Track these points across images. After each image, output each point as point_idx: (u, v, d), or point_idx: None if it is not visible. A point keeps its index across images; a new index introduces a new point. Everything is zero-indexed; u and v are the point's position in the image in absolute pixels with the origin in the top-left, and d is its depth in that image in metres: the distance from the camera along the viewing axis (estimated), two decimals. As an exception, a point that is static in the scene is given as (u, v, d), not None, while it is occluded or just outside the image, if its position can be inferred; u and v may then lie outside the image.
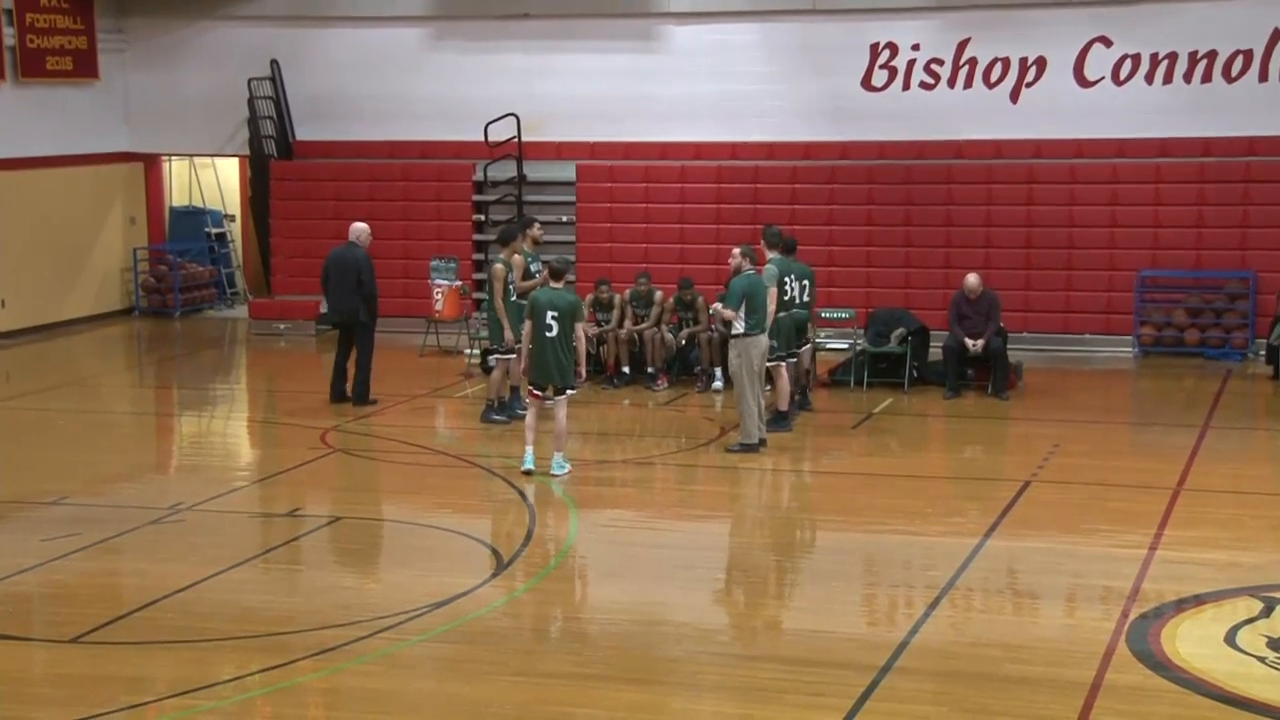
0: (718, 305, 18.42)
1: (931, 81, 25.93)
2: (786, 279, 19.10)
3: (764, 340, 18.06)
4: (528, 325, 17.13)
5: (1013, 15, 25.57)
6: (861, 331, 22.64)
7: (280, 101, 29.09)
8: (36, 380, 23.46)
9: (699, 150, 27.02)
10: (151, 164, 30.74)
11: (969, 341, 21.09)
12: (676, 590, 13.32)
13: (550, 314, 16.74)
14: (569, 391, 17.00)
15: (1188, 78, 24.81)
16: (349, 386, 20.89)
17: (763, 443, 18.18)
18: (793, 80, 26.60)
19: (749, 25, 26.89)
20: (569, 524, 15.56)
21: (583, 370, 17.18)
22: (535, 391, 17.09)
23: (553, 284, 17.15)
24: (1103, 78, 25.14)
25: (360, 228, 21.10)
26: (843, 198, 26.18)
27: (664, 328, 22.16)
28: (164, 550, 14.51)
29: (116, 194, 30.00)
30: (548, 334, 16.76)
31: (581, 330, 16.93)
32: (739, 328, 17.98)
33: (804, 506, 16.96)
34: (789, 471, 18.07)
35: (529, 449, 16.97)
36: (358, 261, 20.69)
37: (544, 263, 18.41)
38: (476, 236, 27.80)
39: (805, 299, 19.45)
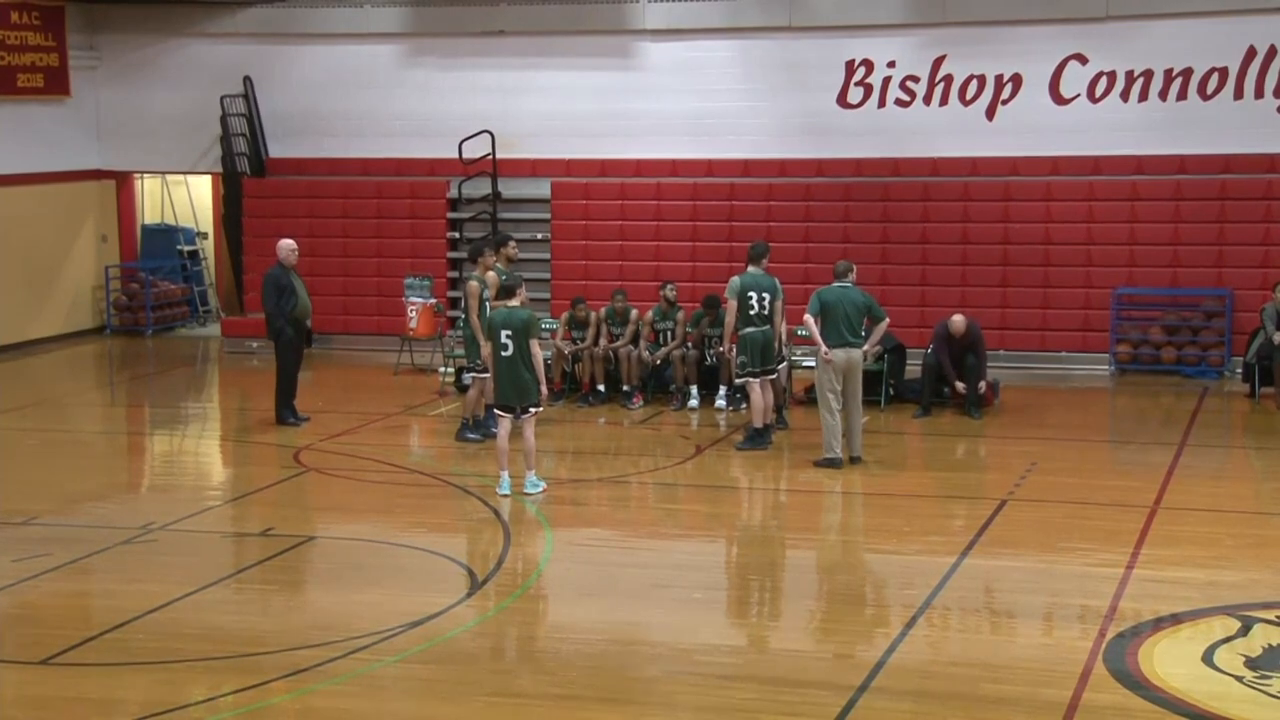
0: (807, 318, 18.45)
1: (907, 99, 25.93)
2: (750, 294, 18.98)
3: (838, 354, 18.08)
4: (489, 346, 17.11)
5: (989, 32, 25.57)
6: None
7: (253, 118, 29.01)
8: (6, 399, 23.30)
9: (675, 167, 26.99)
10: (123, 181, 30.63)
11: (959, 386, 21.03)
12: (652, 609, 13.26)
13: (504, 333, 16.66)
14: (533, 410, 16.89)
15: (1163, 95, 24.83)
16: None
17: (855, 460, 18.36)
18: (769, 97, 26.59)
19: (725, 42, 26.88)
20: (544, 543, 15.50)
21: (544, 388, 17.05)
22: (502, 412, 17.00)
23: (507, 303, 17.11)
24: (1079, 95, 25.15)
25: (280, 245, 20.94)
26: (819, 215, 26.17)
27: (642, 345, 22.10)
28: (136, 570, 14.42)
29: (88, 212, 29.88)
30: (504, 353, 16.69)
31: (536, 347, 16.76)
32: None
33: (780, 525, 16.89)
34: (765, 489, 18.04)
35: (504, 473, 16.91)
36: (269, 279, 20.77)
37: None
38: (451, 254, 27.73)
39: (766, 312, 19.12)
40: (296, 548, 15.26)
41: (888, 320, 18.77)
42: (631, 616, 13.06)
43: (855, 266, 18.91)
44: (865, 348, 18.50)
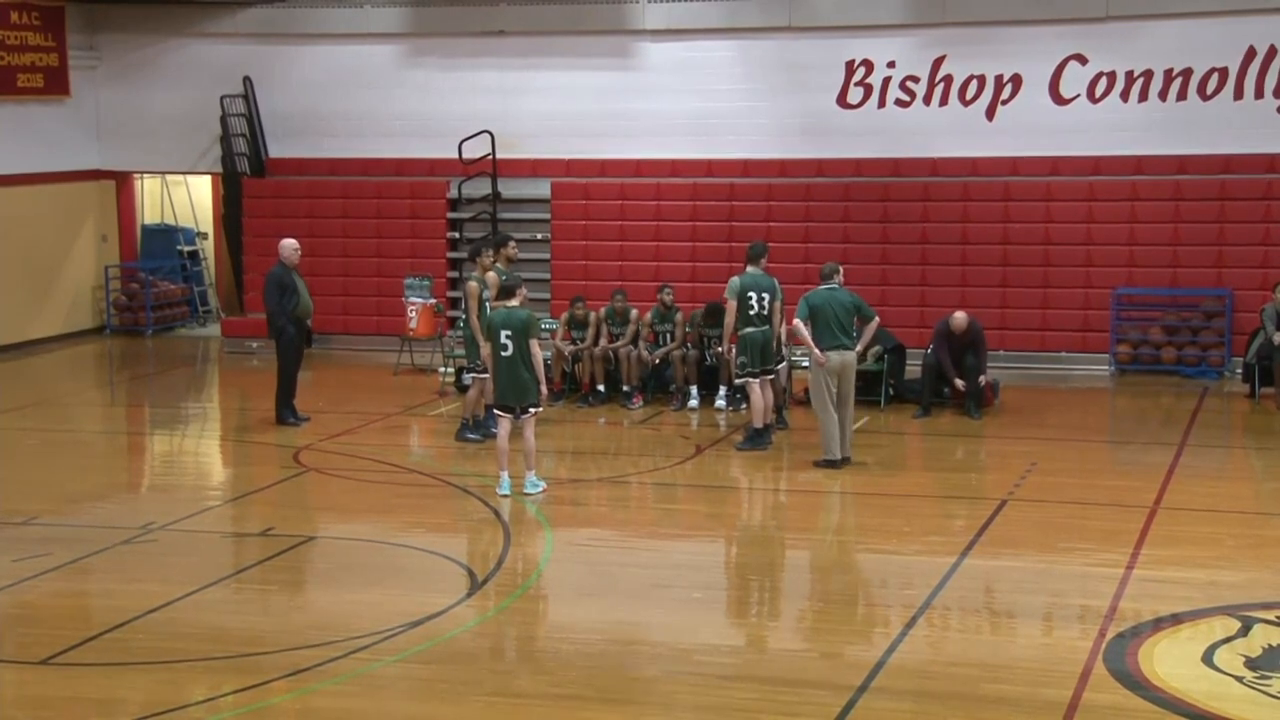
0: (797, 323, 18.38)
1: (907, 99, 25.92)
2: (750, 294, 18.95)
3: (833, 356, 18.01)
4: (488, 347, 17.14)
5: (988, 33, 25.56)
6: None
7: (253, 119, 29.00)
8: (6, 399, 23.28)
9: (674, 167, 26.98)
10: (123, 181, 30.62)
11: (959, 383, 21.01)
12: (652, 609, 13.25)
13: (504, 333, 16.67)
14: (533, 410, 16.89)
15: (1163, 95, 24.82)
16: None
17: (845, 461, 18.25)
18: (769, 97, 26.58)
19: (725, 42, 26.88)
20: (544, 543, 15.49)
21: (543, 388, 17.04)
22: (501, 412, 17.00)
23: (506, 303, 17.11)
24: (1078, 95, 25.14)
25: (283, 244, 20.92)
26: (818, 215, 26.16)
27: (641, 345, 22.09)
28: (136, 570, 14.42)
29: (88, 212, 29.87)
30: (503, 354, 16.69)
31: (536, 346, 16.76)
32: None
33: (780, 525, 16.89)
34: (765, 490, 18.03)
35: (504, 473, 16.90)
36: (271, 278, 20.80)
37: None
38: (451, 254, 27.73)
39: (765, 312, 19.10)
40: (296, 548, 15.25)
41: (878, 319, 18.81)
42: (631, 616, 13.06)
43: (841, 268, 18.88)
44: (858, 349, 18.47)
